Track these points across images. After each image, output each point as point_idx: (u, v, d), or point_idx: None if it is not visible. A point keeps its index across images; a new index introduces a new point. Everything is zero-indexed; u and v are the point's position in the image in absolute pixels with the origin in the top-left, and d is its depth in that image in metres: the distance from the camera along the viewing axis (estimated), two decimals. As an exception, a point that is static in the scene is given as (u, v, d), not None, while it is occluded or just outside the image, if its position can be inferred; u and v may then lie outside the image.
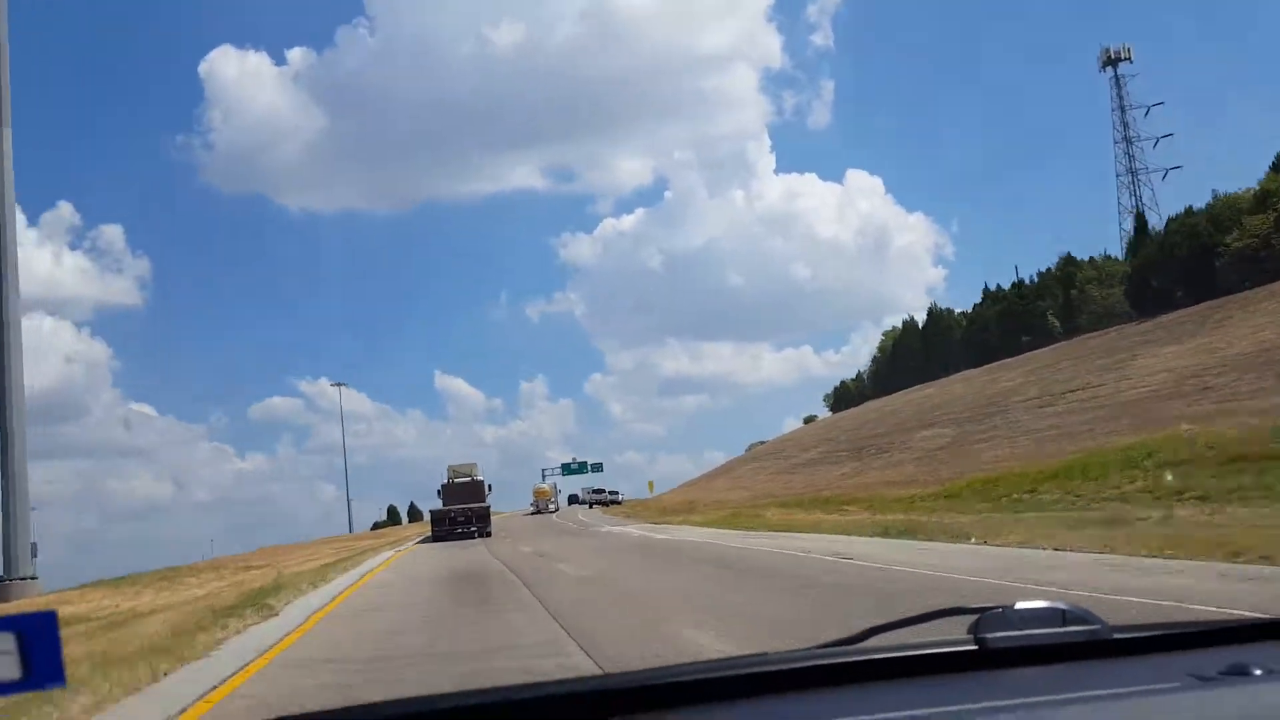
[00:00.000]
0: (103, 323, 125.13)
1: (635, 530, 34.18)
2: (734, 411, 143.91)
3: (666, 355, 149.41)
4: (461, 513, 39.32)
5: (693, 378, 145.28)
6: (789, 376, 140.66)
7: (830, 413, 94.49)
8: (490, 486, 42.43)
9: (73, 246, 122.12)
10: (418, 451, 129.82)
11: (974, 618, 1.39)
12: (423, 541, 38.37)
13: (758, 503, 43.37)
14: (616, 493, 77.04)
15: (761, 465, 68.06)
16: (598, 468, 79.64)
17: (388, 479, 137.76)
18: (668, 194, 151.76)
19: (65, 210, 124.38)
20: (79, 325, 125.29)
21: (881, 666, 1.34)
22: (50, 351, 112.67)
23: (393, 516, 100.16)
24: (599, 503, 73.73)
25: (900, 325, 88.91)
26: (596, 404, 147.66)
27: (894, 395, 69.64)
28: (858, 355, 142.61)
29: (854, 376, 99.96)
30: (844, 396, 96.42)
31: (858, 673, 1.34)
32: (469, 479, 42.00)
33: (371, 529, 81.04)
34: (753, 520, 30.88)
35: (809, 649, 1.44)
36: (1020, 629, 1.37)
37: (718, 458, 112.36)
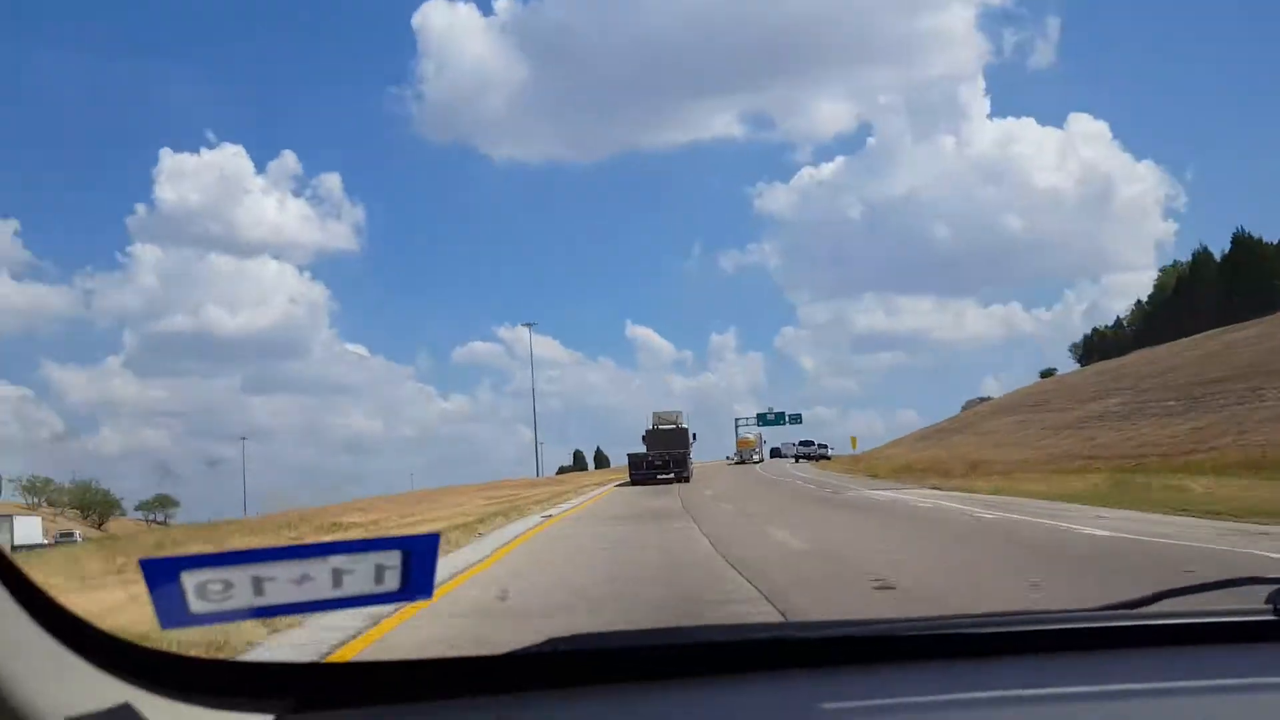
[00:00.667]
0: (322, 266, 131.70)
1: (913, 498, 21.65)
2: (932, 370, 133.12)
3: (862, 309, 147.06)
4: (660, 456, 39.07)
5: (889, 333, 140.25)
6: (994, 334, 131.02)
7: (1079, 365, 79.39)
8: (695, 435, 42.52)
9: (295, 194, 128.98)
10: (608, 399, 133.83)
11: (1273, 588, 1.34)
12: (621, 485, 37.11)
13: (1064, 466, 30.73)
14: (826, 446, 69.79)
15: (1024, 419, 52.42)
16: (796, 419, 74.09)
17: (579, 424, 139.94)
18: (870, 140, 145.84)
19: (289, 159, 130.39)
20: (300, 269, 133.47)
21: (1169, 632, 1.30)
22: (275, 292, 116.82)
23: (578, 462, 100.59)
24: (806, 456, 67.12)
25: (1189, 259, 75.75)
26: (787, 358, 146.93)
27: (1201, 336, 54.54)
28: (1071, 314, 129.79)
29: (1110, 324, 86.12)
30: (1098, 346, 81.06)
31: (1142, 637, 1.30)
32: (674, 425, 42.14)
33: (556, 473, 78.26)
34: (1156, 495, 17.75)
35: (1089, 610, 1.41)
36: None
37: (911, 417, 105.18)
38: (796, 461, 64.68)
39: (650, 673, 1.15)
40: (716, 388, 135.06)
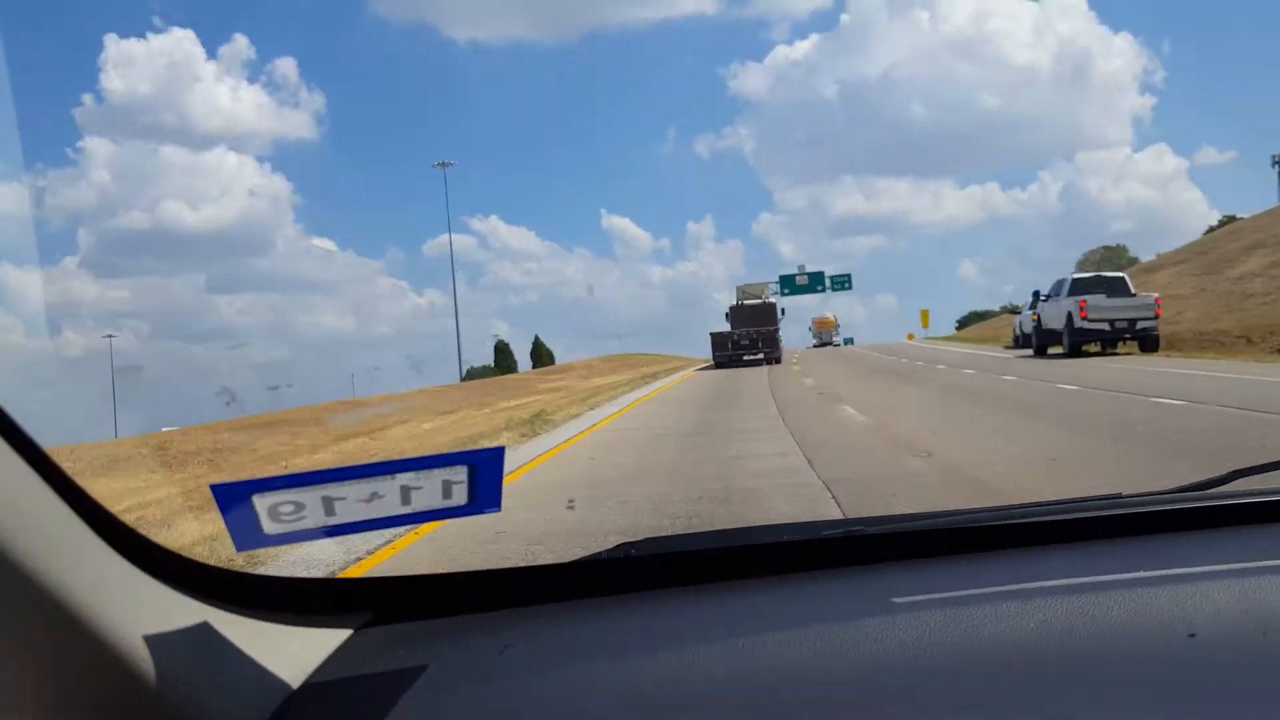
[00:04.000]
0: (282, 157, 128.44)
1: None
2: (910, 255, 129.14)
3: (841, 193, 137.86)
4: (747, 335, 35.43)
5: (868, 217, 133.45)
6: (972, 216, 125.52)
7: None
8: (783, 311, 38.96)
9: (250, 80, 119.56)
10: (585, 290, 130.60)
11: None
12: (704, 369, 33.31)
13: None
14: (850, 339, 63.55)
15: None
16: (842, 283, 55.05)
17: (556, 318, 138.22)
18: (845, 17, 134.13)
19: (241, 43, 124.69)
20: (260, 160, 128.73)
21: (1243, 511, 1.26)
22: (235, 185, 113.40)
23: (502, 360, 77.09)
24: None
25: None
26: (765, 244, 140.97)
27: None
28: (1047, 194, 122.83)
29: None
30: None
31: (1216, 517, 1.25)
32: (759, 300, 39.05)
33: (463, 378, 59.52)
34: None
35: (1162, 492, 1.37)
36: None
37: (890, 301, 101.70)
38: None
39: (721, 574, 1.15)
40: (696, 276, 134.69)
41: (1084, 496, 1.39)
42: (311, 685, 0.93)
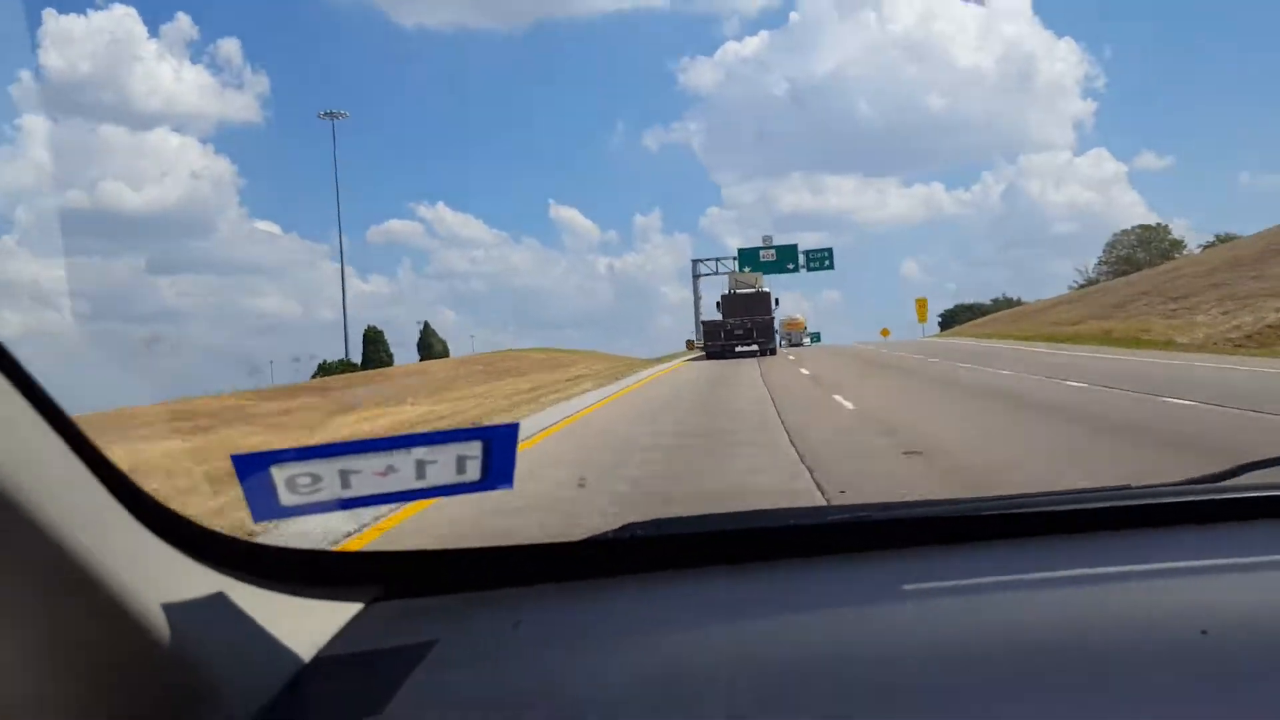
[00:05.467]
0: (225, 139, 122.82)
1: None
2: (854, 250, 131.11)
3: (787, 189, 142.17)
4: (741, 324, 33.11)
5: (814, 214, 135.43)
6: (916, 215, 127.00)
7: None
8: (777, 301, 35.82)
9: (193, 60, 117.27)
10: (532, 280, 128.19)
11: None
12: (694, 359, 30.84)
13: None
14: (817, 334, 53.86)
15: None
16: (821, 259, 44.06)
17: (503, 307, 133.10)
18: (794, 15, 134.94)
19: (184, 22, 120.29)
20: (203, 141, 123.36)
21: (1251, 505, 1.24)
22: (177, 166, 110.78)
23: (372, 352, 65.14)
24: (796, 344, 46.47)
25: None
26: (712, 239, 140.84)
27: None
28: (989, 195, 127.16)
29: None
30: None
31: (1224, 511, 1.24)
32: (753, 289, 35.99)
33: (315, 375, 52.48)
34: None
35: (1171, 484, 1.36)
36: None
37: (834, 296, 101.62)
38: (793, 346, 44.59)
39: (729, 556, 1.15)
40: (643, 269, 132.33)
41: (1094, 487, 1.38)
42: (324, 658, 0.94)
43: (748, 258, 43.48)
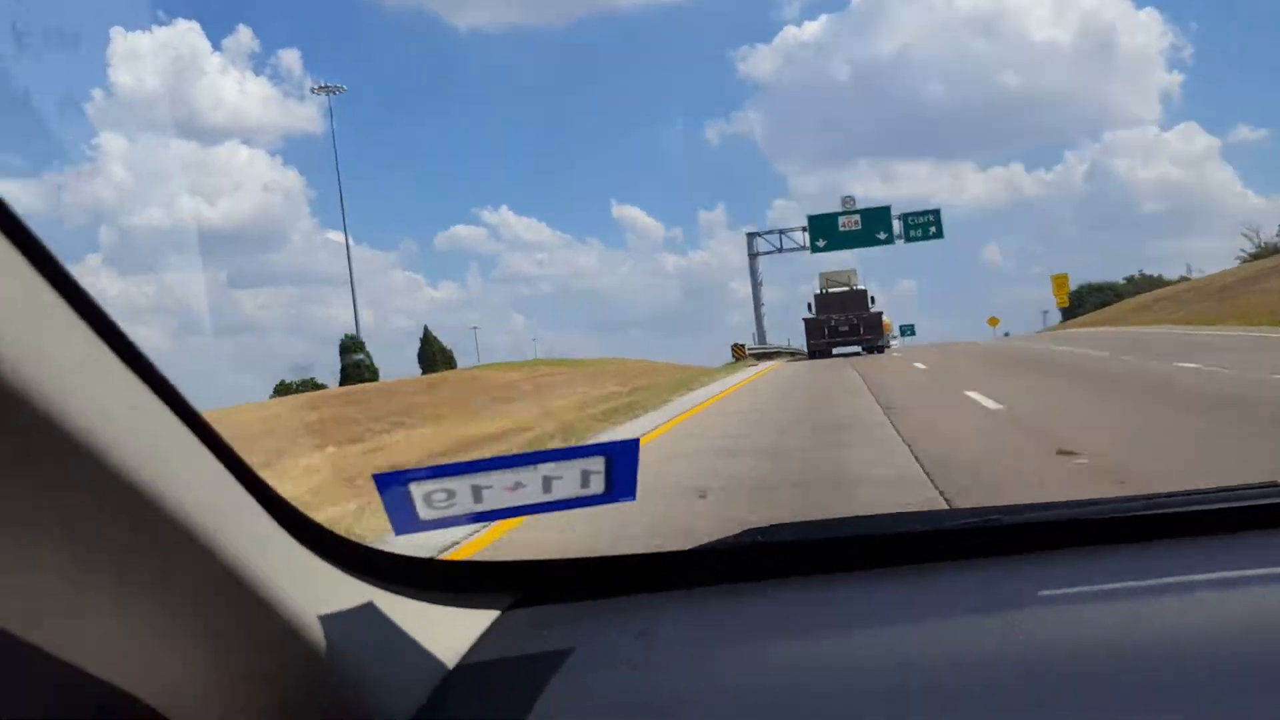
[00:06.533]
0: (292, 151, 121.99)
1: None
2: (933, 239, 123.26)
3: (856, 177, 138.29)
4: (846, 320, 29.72)
5: (886, 201, 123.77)
6: (996, 199, 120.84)
7: None
8: (873, 299, 31.55)
9: (256, 72, 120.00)
10: (598, 281, 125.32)
11: None
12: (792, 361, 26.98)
13: None
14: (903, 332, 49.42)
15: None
16: (925, 226, 34.85)
17: (570, 309, 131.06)
18: None
19: (245, 35, 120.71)
20: (271, 153, 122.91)
21: None
22: (249, 179, 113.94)
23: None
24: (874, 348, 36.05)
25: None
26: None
27: None
28: (1072, 175, 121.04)
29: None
30: None
31: None
32: (847, 288, 31.91)
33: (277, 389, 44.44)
34: None
35: (1231, 489, 1.25)
36: None
37: (909, 286, 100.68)
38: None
39: (853, 562, 1.15)
40: (709, 266, 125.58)
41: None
42: (467, 665, 0.97)
43: (821, 227, 34.21)
